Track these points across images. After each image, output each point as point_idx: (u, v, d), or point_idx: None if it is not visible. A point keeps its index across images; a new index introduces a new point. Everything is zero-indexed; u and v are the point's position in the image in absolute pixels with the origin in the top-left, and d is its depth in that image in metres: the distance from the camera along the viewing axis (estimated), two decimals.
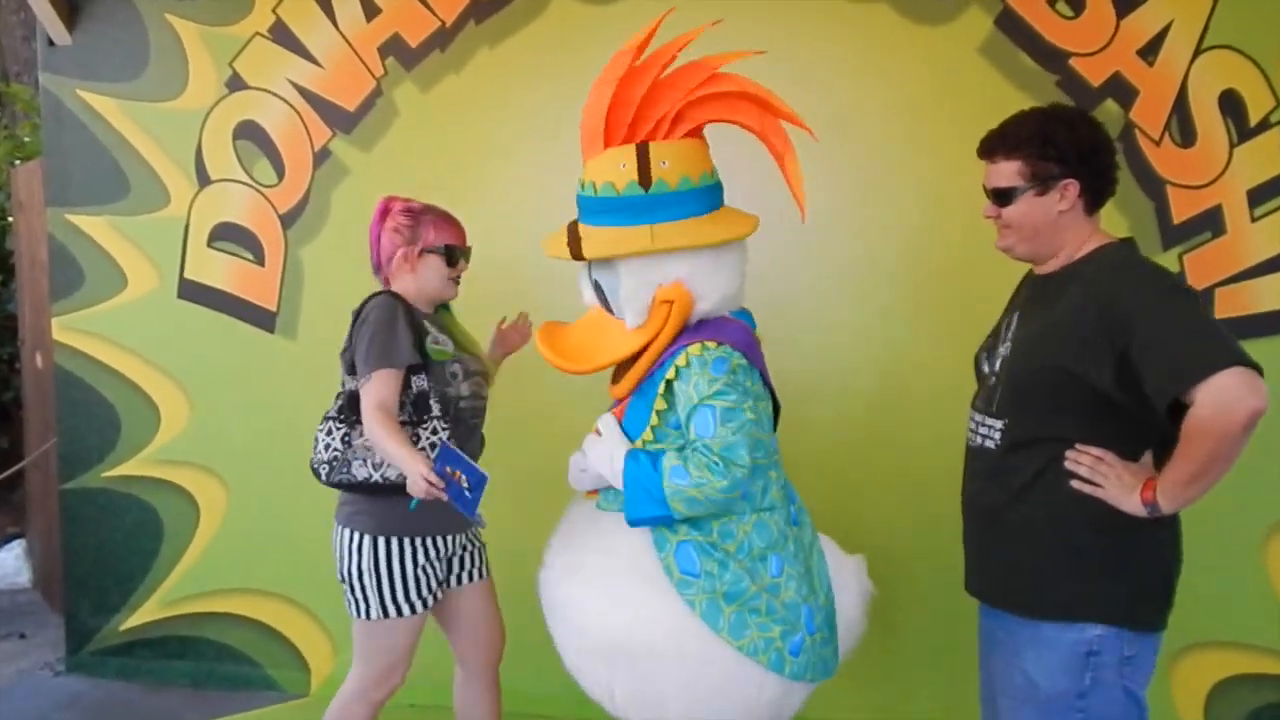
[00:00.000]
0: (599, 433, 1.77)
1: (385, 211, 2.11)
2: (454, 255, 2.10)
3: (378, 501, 1.98)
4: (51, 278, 3.10)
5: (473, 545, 2.17)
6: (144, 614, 3.10)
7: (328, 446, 2.02)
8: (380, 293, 2.05)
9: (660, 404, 1.69)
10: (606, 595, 1.72)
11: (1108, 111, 2.47)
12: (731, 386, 1.63)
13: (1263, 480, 2.43)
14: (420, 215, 2.09)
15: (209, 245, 2.99)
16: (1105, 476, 1.49)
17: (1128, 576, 1.52)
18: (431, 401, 1.99)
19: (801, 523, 1.84)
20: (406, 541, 1.98)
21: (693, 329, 1.73)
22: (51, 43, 3.04)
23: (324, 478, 2.03)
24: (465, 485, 1.84)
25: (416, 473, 1.81)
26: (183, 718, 2.87)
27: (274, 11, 2.88)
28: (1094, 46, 2.48)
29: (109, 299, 3.04)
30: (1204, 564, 2.50)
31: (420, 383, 1.98)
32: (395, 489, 1.92)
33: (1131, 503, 1.46)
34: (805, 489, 2.00)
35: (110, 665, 3.12)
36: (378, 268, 2.12)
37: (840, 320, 2.68)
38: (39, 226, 3.52)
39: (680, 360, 1.67)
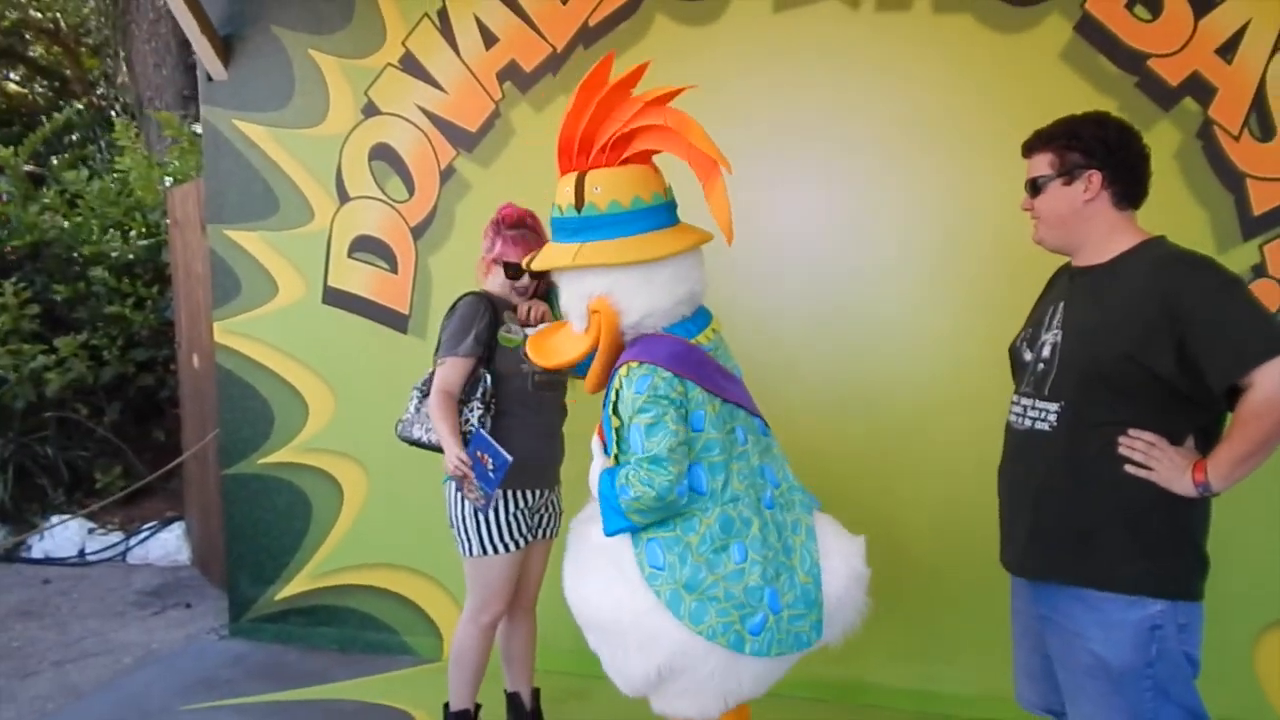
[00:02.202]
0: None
1: (495, 219, 2.47)
2: (512, 271, 2.42)
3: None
4: (212, 286, 3.48)
5: (554, 508, 2.53)
6: (296, 585, 3.46)
7: (406, 409, 2.45)
8: (470, 293, 2.42)
9: (615, 421, 1.87)
10: (591, 580, 1.93)
11: (1186, 109, 2.59)
12: (653, 402, 1.79)
13: None
14: (500, 231, 2.43)
15: (349, 256, 3.32)
16: (1158, 460, 1.57)
17: (1180, 553, 1.60)
18: (478, 387, 2.34)
19: (780, 505, 1.94)
20: (496, 493, 2.33)
21: (630, 345, 1.90)
22: (210, 78, 3.39)
23: (397, 432, 2.47)
24: (490, 467, 2.26)
25: (450, 454, 2.26)
26: (331, 677, 3.19)
27: (403, 44, 3.19)
28: (1172, 47, 2.59)
29: (263, 305, 3.40)
30: None
31: (480, 371, 2.35)
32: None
33: (1183, 484, 1.55)
34: (848, 477, 2.17)
35: (267, 630, 3.50)
36: None
37: (928, 320, 2.84)
38: (194, 242, 3.93)
39: (615, 383, 1.85)
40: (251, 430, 3.46)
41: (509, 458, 2.24)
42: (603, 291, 1.87)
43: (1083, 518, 1.63)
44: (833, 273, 2.90)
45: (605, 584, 1.89)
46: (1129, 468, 1.59)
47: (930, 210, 2.82)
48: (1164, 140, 2.61)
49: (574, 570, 1.98)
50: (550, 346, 2.05)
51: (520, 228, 2.44)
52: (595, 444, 2.02)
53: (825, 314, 2.91)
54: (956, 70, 2.74)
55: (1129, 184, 1.68)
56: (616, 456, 1.90)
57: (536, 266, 1.97)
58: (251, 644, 3.47)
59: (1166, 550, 1.59)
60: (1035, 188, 1.74)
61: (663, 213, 1.91)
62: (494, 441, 2.26)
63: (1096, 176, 1.66)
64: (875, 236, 2.86)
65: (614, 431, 1.88)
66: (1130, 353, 1.56)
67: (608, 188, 1.85)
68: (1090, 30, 2.65)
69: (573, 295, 1.92)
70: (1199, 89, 2.59)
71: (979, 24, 2.72)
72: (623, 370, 1.84)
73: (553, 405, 2.47)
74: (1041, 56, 2.68)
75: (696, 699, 1.86)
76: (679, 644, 1.81)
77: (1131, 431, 1.59)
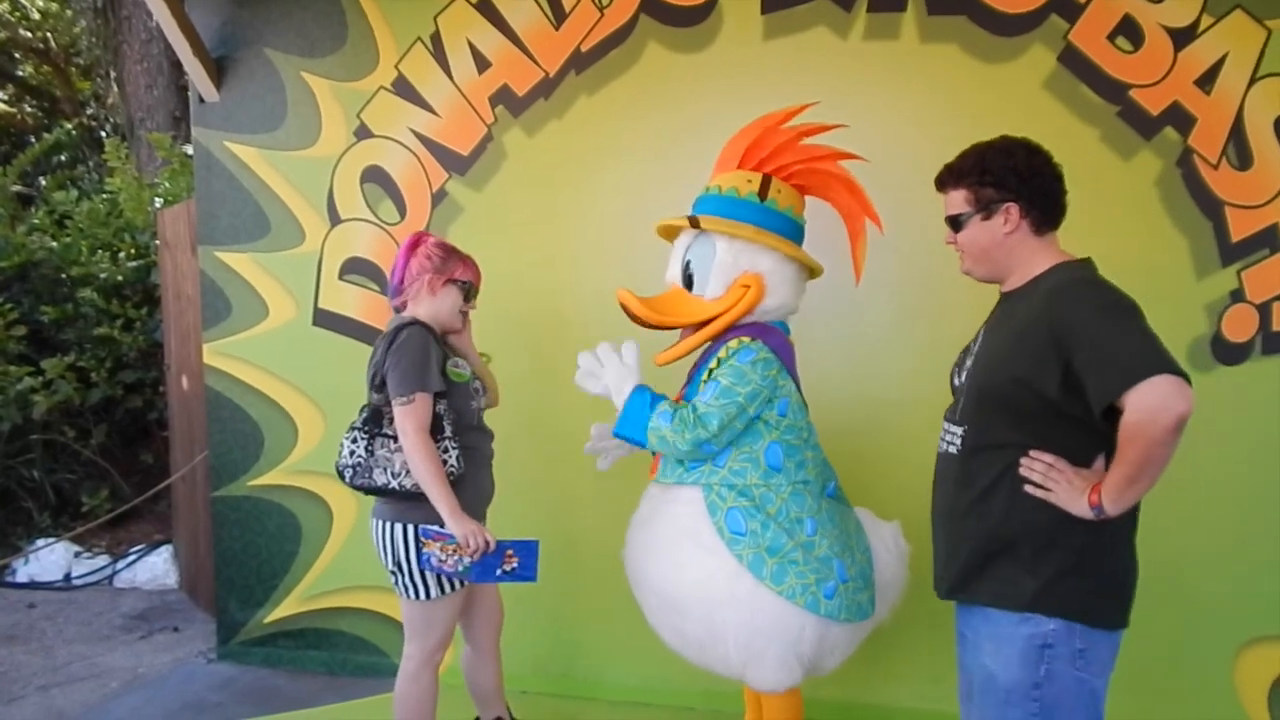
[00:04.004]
0: (598, 358, 2.18)
1: (417, 243, 2.38)
2: (470, 292, 2.40)
3: (418, 496, 2.20)
4: (202, 308, 3.47)
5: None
6: (285, 608, 3.44)
7: (352, 453, 2.25)
8: (412, 322, 2.26)
9: (707, 376, 2.08)
10: (672, 561, 2.10)
11: (1167, 138, 2.65)
12: (741, 374, 2.01)
13: None
14: (452, 252, 2.38)
15: (340, 278, 3.32)
16: (1056, 482, 1.56)
17: (1081, 576, 1.58)
18: (445, 424, 2.24)
19: (838, 498, 2.23)
20: (441, 525, 2.20)
21: (743, 326, 2.11)
22: (202, 100, 3.40)
23: (347, 480, 2.26)
24: (515, 561, 2.24)
25: (471, 531, 2.15)
26: (321, 700, 3.17)
27: (396, 68, 3.21)
28: (1153, 78, 2.65)
29: (253, 327, 3.40)
30: (1266, 561, 2.67)
31: (439, 406, 2.24)
32: (414, 495, 2.20)
33: (1080, 506, 1.53)
34: None
35: (256, 654, 3.47)
36: (396, 290, 2.36)
37: (911, 347, 2.87)
38: (184, 263, 3.93)
39: (721, 353, 2.06)
40: (241, 452, 3.45)
41: (535, 540, 2.26)
42: (764, 270, 2.11)
43: (985, 538, 1.65)
44: (816, 298, 2.92)
45: (694, 562, 2.05)
46: (1028, 488, 1.59)
47: (916, 236, 2.85)
48: (1145, 168, 2.67)
49: (660, 564, 2.12)
50: (665, 307, 2.19)
51: (463, 253, 2.41)
52: (607, 354, 2.18)
53: (807, 339, 2.94)
54: (943, 98, 2.79)
55: (1045, 210, 1.68)
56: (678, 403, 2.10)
57: (713, 226, 2.11)
58: (240, 667, 3.45)
59: (1066, 572, 1.58)
60: (956, 224, 1.75)
61: (804, 234, 2.23)
62: (519, 539, 2.26)
63: (1014, 208, 1.67)
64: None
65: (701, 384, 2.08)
66: (1021, 376, 1.58)
67: (787, 195, 2.17)
68: (1073, 61, 2.70)
69: (731, 262, 2.11)
70: (1179, 119, 2.65)
71: (964, 53, 2.77)
72: (734, 342, 2.07)
73: (489, 434, 2.43)
74: (1025, 86, 2.73)
75: (784, 664, 2.04)
76: (766, 605, 1.99)
77: (1032, 452, 1.59)
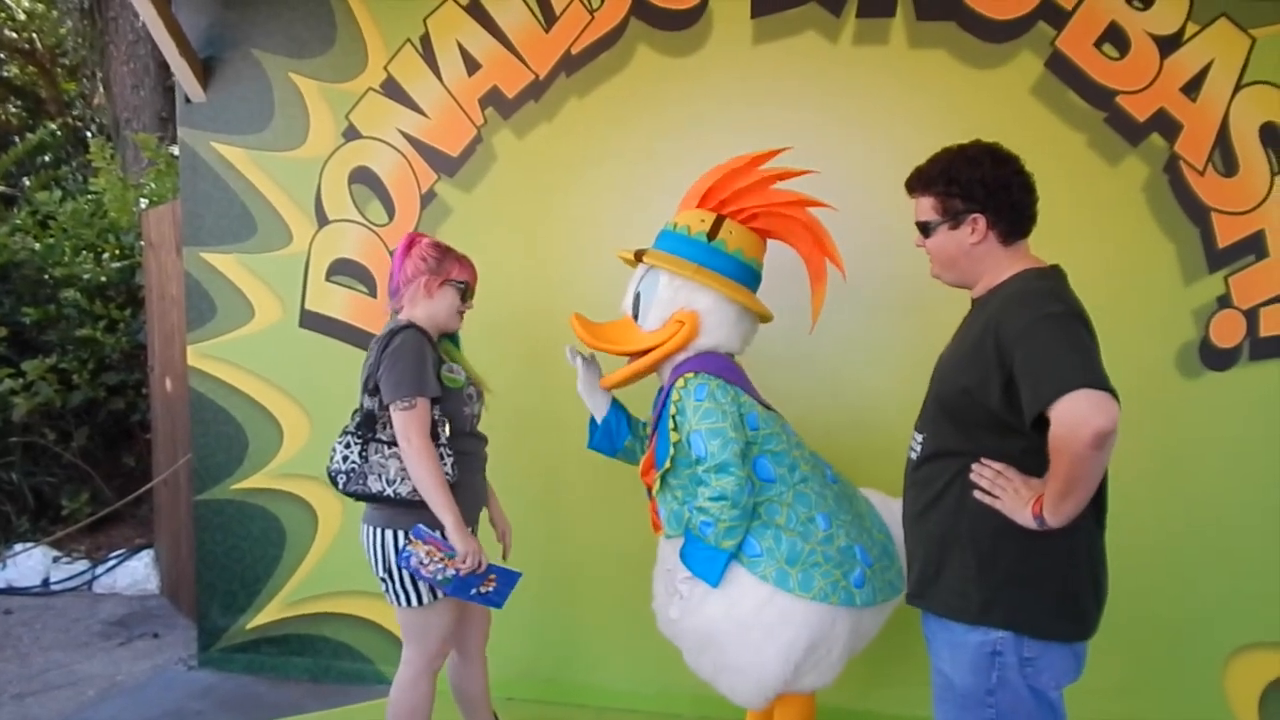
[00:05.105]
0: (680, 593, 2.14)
1: (412, 243, 2.35)
2: (467, 292, 2.36)
3: (412, 504, 2.17)
4: (187, 309, 3.44)
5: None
6: (268, 614, 3.40)
7: (345, 458, 2.20)
8: (408, 325, 2.23)
9: (674, 436, 2.08)
10: (695, 600, 2.07)
11: (1153, 145, 2.66)
12: (714, 407, 2.02)
13: None
14: (447, 252, 2.34)
15: (327, 279, 3.30)
16: (1003, 489, 1.56)
17: (1028, 586, 1.57)
18: (440, 430, 2.20)
19: (840, 480, 2.23)
20: (439, 533, 2.16)
21: (686, 360, 2.14)
22: (189, 100, 3.37)
23: (340, 486, 2.20)
24: (493, 586, 2.25)
25: (472, 550, 2.14)
26: (303, 708, 3.13)
27: (385, 69, 3.19)
28: (1139, 84, 2.67)
29: (238, 328, 3.37)
30: (1256, 567, 2.68)
31: (435, 412, 2.21)
32: (408, 502, 2.16)
33: (1024, 516, 1.53)
34: None
35: (238, 661, 3.43)
36: (394, 292, 2.33)
37: (905, 351, 2.86)
38: (169, 264, 3.90)
39: (675, 397, 2.06)
40: (225, 455, 3.41)
41: (518, 573, 2.28)
42: (700, 309, 2.13)
43: (936, 544, 1.66)
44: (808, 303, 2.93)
45: (712, 595, 2.03)
46: (977, 494, 1.60)
47: (905, 241, 2.85)
48: (1132, 174, 2.69)
49: (679, 604, 2.11)
50: (609, 335, 2.25)
51: (458, 253, 2.38)
52: (665, 547, 2.21)
53: (800, 345, 2.94)
54: (931, 103, 2.80)
55: (1012, 221, 1.66)
56: (665, 474, 2.12)
57: (652, 261, 2.16)
58: (221, 675, 3.40)
59: (1012, 581, 1.57)
60: (925, 230, 1.74)
61: (759, 279, 2.26)
62: (505, 567, 2.27)
63: (981, 220, 1.65)
64: (852, 268, 2.88)
65: (671, 446, 2.08)
66: (968, 387, 1.59)
67: (739, 237, 2.18)
68: (1060, 67, 2.72)
69: (670, 297, 2.15)
70: (1165, 125, 2.66)
71: (953, 59, 2.78)
72: (679, 383, 2.08)
73: (483, 440, 2.41)
74: (1013, 91, 2.74)
75: (824, 666, 2.05)
76: (800, 616, 1.99)
77: (984, 459, 1.60)
